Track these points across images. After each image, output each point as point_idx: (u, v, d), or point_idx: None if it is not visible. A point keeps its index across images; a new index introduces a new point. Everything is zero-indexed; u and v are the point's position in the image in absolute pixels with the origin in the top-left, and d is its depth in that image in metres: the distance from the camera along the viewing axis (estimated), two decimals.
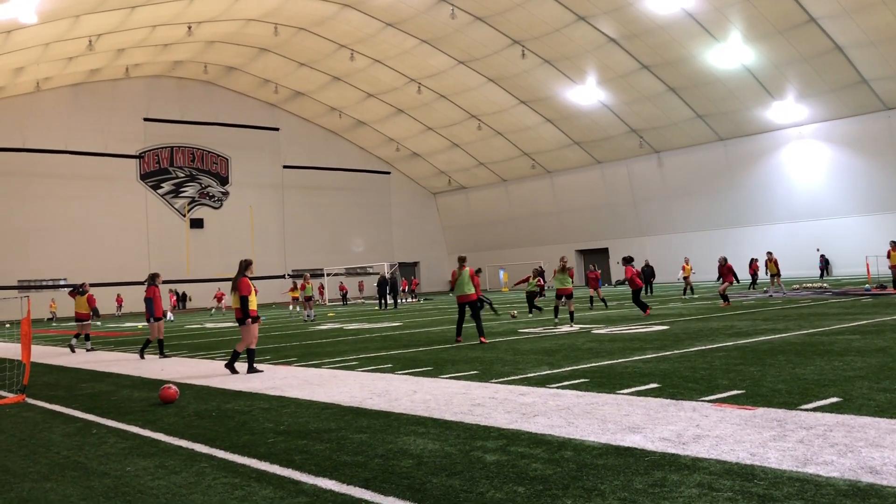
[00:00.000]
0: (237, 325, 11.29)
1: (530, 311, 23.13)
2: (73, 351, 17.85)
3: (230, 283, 11.95)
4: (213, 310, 42.43)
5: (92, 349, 18.09)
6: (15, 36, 35.37)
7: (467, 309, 14.24)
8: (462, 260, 14.63)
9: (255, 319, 11.32)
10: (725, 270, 22.27)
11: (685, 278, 29.76)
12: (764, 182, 46.23)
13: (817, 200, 43.82)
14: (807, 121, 43.46)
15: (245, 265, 11.45)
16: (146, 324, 15.28)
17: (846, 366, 8.46)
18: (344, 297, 51.57)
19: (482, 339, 13.74)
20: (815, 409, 6.16)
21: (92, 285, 51.51)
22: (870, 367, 8.31)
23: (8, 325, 33.46)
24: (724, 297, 21.57)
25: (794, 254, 42.97)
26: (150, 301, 15.05)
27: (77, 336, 18.42)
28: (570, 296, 17.11)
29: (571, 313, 17.19)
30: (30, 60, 41.68)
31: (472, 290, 14.16)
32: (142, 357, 15.01)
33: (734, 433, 5.49)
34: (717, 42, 39.39)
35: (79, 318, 18.30)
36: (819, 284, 31.28)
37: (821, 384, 7.33)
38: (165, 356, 14.97)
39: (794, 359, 9.26)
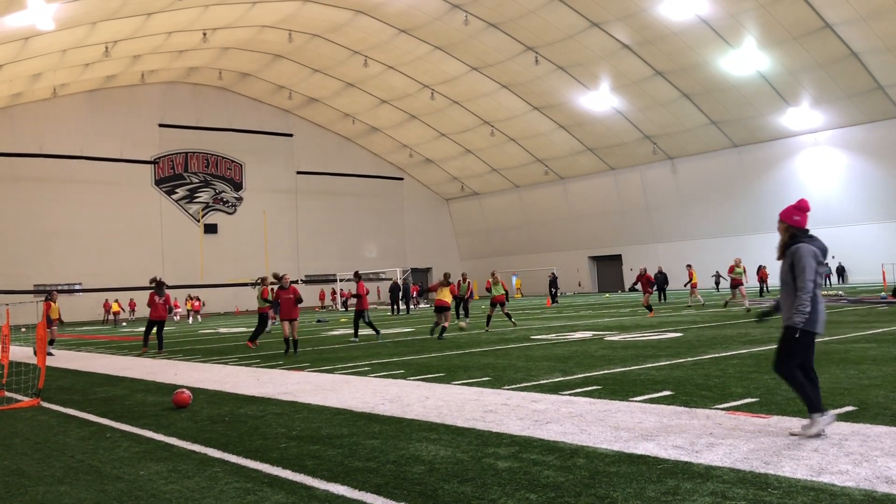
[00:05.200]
0: (438, 311, 17.68)
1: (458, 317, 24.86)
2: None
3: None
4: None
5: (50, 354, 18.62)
6: (32, 43, 35.73)
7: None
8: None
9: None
10: (645, 281, 23.82)
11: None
12: (779, 189, 45.95)
13: (833, 207, 43.52)
14: (822, 127, 43.23)
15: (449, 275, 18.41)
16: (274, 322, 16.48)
17: (861, 374, 8.39)
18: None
19: None
20: None
21: (106, 290, 51.79)
22: (885, 375, 8.23)
23: (24, 330, 33.71)
24: (649, 308, 23.42)
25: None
26: (278, 304, 16.15)
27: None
28: (502, 303, 20.24)
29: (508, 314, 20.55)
30: (47, 67, 42.09)
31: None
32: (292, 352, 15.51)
33: (748, 441, 5.46)
34: (732, 48, 39.25)
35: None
36: (834, 292, 31.05)
37: (836, 393, 7.27)
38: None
39: None
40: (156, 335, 18.00)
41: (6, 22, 31.61)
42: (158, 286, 17.99)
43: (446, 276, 18.75)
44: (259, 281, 19.82)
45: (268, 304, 18.54)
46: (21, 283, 48.00)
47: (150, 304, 17.80)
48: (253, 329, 19.06)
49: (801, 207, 5.77)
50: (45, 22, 31.63)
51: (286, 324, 15.42)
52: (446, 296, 18.10)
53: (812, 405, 5.52)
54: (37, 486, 5.35)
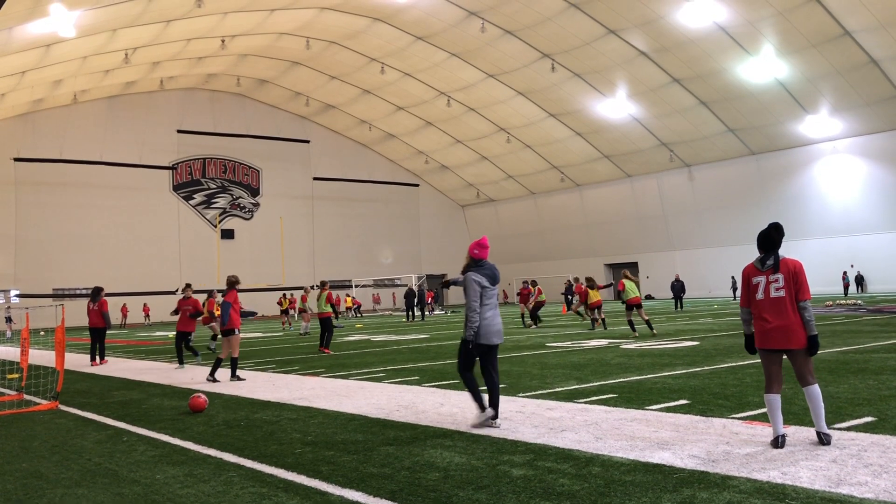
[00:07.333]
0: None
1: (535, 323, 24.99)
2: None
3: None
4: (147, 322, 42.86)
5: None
6: (54, 49, 36.15)
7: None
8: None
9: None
10: (584, 293, 22.40)
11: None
12: (797, 197, 45.63)
13: (851, 216, 43.14)
14: (841, 135, 42.88)
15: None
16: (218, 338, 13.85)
17: (881, 385, 8.31)
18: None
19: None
20: (848, 429, 6.06)
21: (123, 294, 52.18)
22: None
23: (42, 333, 34.04)
24: (581, 315, 24.52)
25: (827, 270, 42.29)
26: (229, 306, 12.06)
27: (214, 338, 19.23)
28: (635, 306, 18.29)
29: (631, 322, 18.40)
30: (68, 73, 42.56)
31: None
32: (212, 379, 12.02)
33: (765, 451, 5.41)
34: (750, 56, 39.04)
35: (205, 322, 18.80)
36: (852, 301, 30.75)
37: (855, 403, 7.20)
38: (238, 378, 12.09)
39: (828, 377, 9.11)
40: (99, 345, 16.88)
41: (29, 29, 32.00)
42: (94, 292, 16.77)
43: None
44: (320, 284, 18.31)
45: (330, 310, 17.50)
46: (40, 286, 48.50)
47: (88, 311, 16.79)
48: (321, 335, 17.46)
49: (482, 244, 7.32)
50: (67, 29, 32.01)
51: (227, 338, 12.04)
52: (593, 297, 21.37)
53: (478, 404, 6.97)
54: (54, 489, 5.39)
